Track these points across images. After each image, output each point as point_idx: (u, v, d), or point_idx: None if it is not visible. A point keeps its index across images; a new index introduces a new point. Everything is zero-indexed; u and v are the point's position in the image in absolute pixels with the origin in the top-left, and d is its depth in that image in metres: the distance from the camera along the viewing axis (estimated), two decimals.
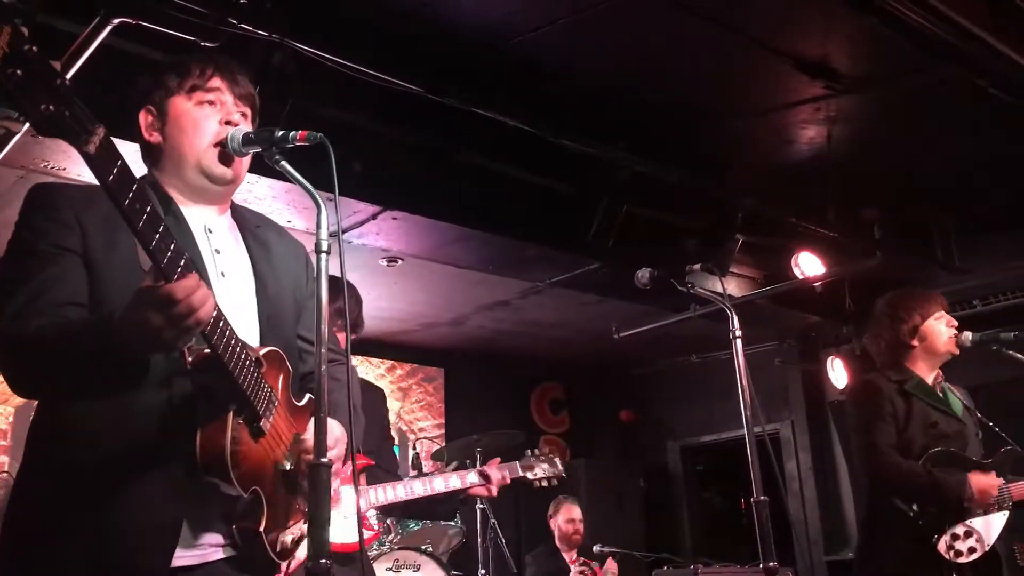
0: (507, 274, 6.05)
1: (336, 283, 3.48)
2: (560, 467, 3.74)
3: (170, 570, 1.69)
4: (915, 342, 3.65)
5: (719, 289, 3.38)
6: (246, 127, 1.94)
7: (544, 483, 3.70)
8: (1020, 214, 6.11)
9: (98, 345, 1.59)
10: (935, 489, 3.36)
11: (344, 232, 4.91)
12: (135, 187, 1.43)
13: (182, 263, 1.53)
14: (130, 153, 3.13)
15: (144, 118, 1.93)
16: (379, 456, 3.56)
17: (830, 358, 7.15)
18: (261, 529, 1.77)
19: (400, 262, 5.94)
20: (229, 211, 2.03)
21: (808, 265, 6.08)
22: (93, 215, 1.76)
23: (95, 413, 1.67)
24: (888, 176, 5.75)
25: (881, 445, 3.44)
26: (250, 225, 2.05)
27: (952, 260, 6.36)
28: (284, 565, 1.89)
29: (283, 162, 1.85)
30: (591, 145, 4.91)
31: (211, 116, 1.90)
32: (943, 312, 3.68)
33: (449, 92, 4.27)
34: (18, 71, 1.23)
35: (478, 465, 5.47)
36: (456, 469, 3.57)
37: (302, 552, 2.90)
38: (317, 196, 1.80)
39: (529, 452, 3.77)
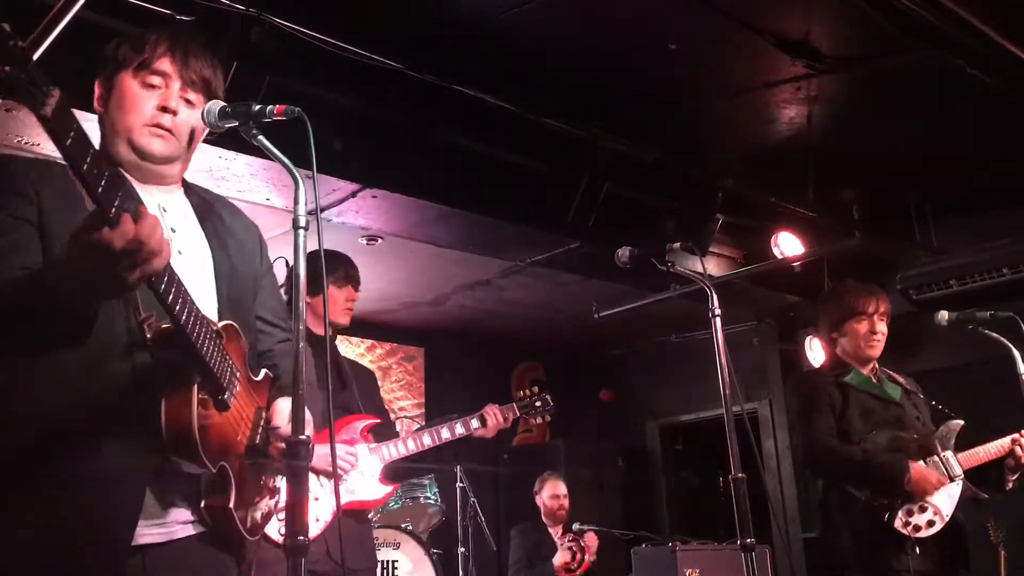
0: (487, 253, 6.03)
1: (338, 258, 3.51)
2: (550, 402, 3.98)
3: (138, 547, 1.68)
4: (835, 335, 3.74)
5: (699, 268, 3.37)
6: (191, 112, 1.90)
7: (539, 419, 4.02)
8: (997, 195, 6.16)
9: (43, 294, 1.55)
10: (871, 469, 3.39)
11: (323, 210, 4.88)
12: (92, 152, 1.41)
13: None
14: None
15: (96, 88, 1.92)
16: (379, 428, 3.66)
17: (808, 338, 7.19)
18: (231, 506, 1.76)
19: (380, 241, 5.91)
20: (182, 190, 2.00)
21: (787, 245, 6.11)
22: (51, 189, 1.74)
23: (52, 386, 1.65)
24: (867, 156, 5.76)
25: (819, 432, 3.48)
26: (205, 204, 2.02)
27: (930, 241, 6.40)
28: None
29: (260, 136, 1.83)
30: (572, 124, 4.90)
31: (150, 98, 1.86)
32: (870, 316, 3.68)
33: (430, 70, 4.23)
34: None
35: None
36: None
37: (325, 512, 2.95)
38: (295, 172, 1.78)
39: (521, 393, 3.99)
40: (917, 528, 3.37)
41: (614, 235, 4.69)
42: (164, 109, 1.86)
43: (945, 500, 3.46)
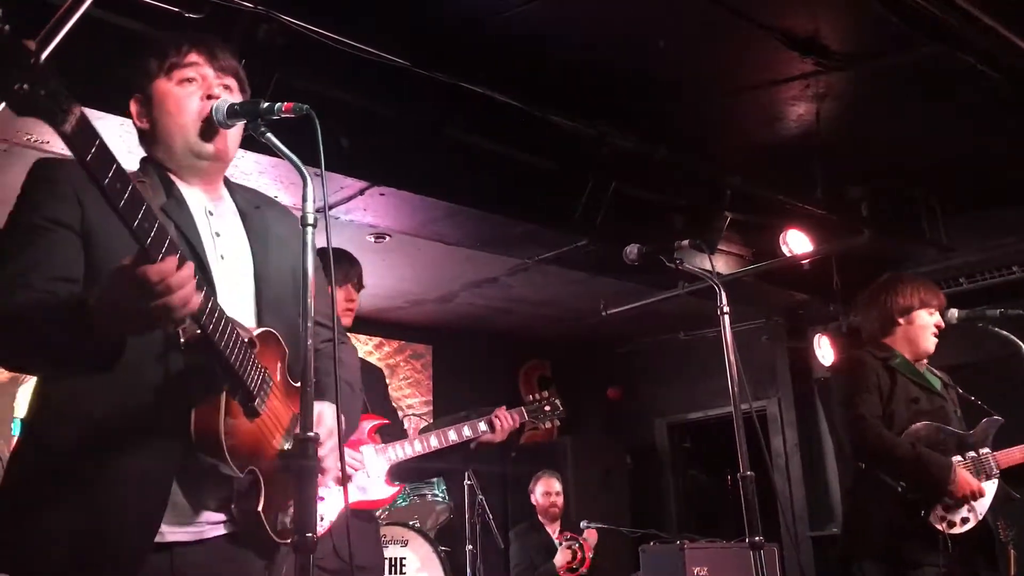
0: (495, 251, 6.03)
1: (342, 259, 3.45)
2: (560, 406, 3.92)
3: (166, 544, 1.69)
4: (901, 320, 3.69)
5: (707, 266, 3.36)
6: (232, 99, 1.91)
7: (548, 423, 3.91)
8: (1007, 192, 6.13)
9: (74, 323, 1.55)
10: (919, 465, 3.36)
11: (331, 207, 4.88)
12: (115, 167, 1.41)
13: (166, 244, 1.51)
14: (115, 127, 3.07)
15: (134, 107, 1.93)
16: (387, 428, 3.64)
17: (817, 336, 7.17)
18: (260, 509, 1.78)
19: (388, 238, 5.91)
20: (227, 191, 2.02)
21: (796, 243, 6.09)
22: (94, 194, 1.74)
23: (87, 390, 1.66)
24: (876, 154, 5.75)
25: (867, 415, 3.45)
26: (249, 206, 2.04)
27: (939, 238, 6.37)
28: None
29: (268, 134, 1.84)
30: (579, 122, 4.89)
31: (193, 93, 1.88)
32: (938, 312, 3.70)
33: (437, 67, 4.23)
34: None
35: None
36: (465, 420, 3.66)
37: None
38: (303, 169, 1.79)
39: (531, 397, 3.93)
40: (951, 524, 3.35)
41: (622, 233, 4.69)
42: (210, 97, 1.88)
43: (982, 498, 3.44)
